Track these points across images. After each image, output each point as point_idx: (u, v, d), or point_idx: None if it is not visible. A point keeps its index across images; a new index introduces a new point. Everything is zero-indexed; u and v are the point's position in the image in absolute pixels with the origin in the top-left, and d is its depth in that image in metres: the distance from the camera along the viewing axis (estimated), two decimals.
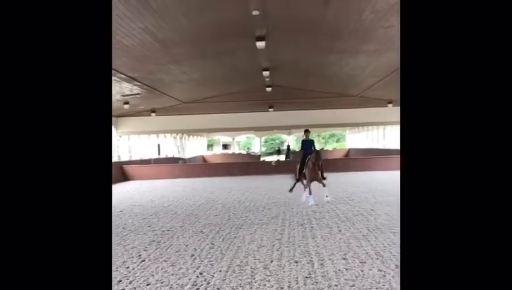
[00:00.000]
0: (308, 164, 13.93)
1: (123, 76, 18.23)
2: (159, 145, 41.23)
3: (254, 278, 6.22)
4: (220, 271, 6.63)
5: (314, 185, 13.88)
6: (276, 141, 77.35)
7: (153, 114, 29.41)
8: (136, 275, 6.59)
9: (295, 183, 14.92)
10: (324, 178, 13.95)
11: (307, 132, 15.03)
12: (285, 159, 48.30)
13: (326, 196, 13.58)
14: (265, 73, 21.56)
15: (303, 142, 15.17)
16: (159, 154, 39.99)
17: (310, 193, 13.71)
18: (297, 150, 62.39)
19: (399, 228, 7.73)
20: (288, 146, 55.20)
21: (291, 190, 15.01)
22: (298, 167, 14.62)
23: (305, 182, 14.33)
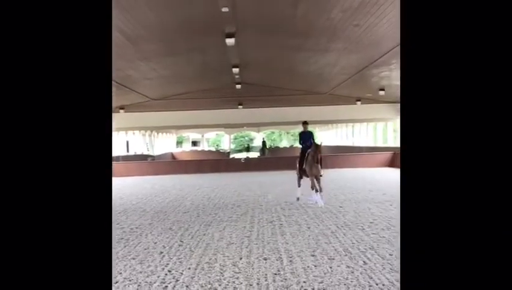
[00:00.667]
0: (307, 158, 12.94)
1: None
2: (127, 142, 40.84)
3: (223, 276, 6.21)
4: (189, 269, 6.61)
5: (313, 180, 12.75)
6: (246, 138, 77.35)
7: (122, 111, 29.14)
8: None
9: (299, 179, 13.75)
10: (320, 175, 12.78)
11: (305, 123, 13.91)
12: (261, 155, 48.28)
13: (320, 206, 12.05)
14: (235, 70, 21.55)
15: (301, 134, 14.05)
16: (127, 151, 39.61)
17: (317, 190, 12.59)
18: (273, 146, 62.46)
19: (367, 225, 7.83)
20: (264, 141, 55.15)
21: (299, 185, 13.72)
22: (298, 162, 13.65)
23: (301, 181, 13.56)
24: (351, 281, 5.76)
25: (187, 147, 74.48)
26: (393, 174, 22.04)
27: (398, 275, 5.94)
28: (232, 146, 69.48)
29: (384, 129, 37.70)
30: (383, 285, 5.56)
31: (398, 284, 5.57)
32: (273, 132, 73.75)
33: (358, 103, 29.85)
